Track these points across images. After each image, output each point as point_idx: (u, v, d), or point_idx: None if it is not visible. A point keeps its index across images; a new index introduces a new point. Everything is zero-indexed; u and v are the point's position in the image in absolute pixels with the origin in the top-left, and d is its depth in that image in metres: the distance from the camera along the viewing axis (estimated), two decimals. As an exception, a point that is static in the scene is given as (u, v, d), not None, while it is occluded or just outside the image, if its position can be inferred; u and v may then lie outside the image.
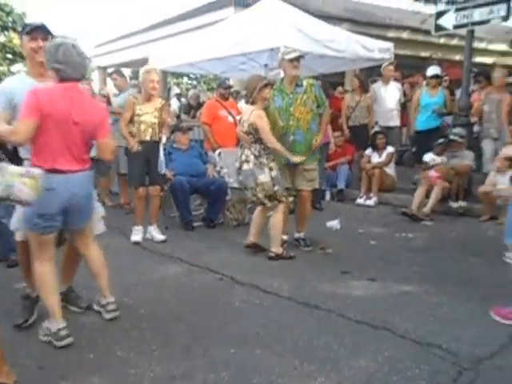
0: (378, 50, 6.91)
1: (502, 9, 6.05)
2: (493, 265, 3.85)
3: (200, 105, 8.93)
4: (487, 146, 6.03)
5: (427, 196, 5.53)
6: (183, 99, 11.76)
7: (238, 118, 5.22)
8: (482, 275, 3.67)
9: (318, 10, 8.73)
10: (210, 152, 5.85)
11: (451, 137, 5.91)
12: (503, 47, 13.34)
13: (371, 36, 7.57)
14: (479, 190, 5.35)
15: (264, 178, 4.00)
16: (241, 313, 3.06)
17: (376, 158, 6.63)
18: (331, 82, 7.48)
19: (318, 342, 2.65)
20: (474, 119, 6.46)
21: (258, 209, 4.23)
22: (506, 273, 3.46)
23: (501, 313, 2.81)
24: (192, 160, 5.44)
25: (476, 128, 6.59)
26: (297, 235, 4.48)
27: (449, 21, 6.46)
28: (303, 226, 4.48)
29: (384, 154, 6.61)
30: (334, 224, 5.18)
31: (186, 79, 25.86)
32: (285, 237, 4.34)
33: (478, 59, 11.00)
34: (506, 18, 6.06)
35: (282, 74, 4.45)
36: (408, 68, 8.19)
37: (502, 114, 5.86)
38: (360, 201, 6.41)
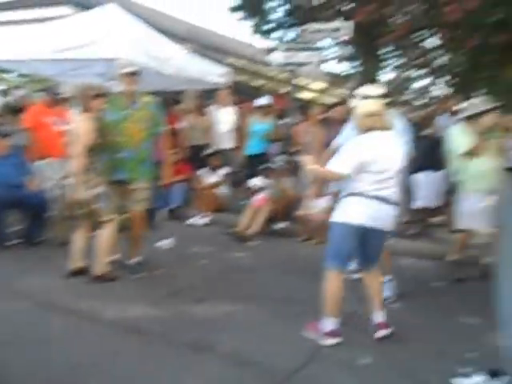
0: (216, 74, 7.23)
1: (321, 54, 7.05)
2: (311, 282, 4.24)
3: (25, 107, 8.04)
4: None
5: (254, 217, 5.91)
6: (9, 98, 10.37)
7: (67, 127, 4.86)
8: (301, 293, 3.90)
9: (163, 27, 8.73)
10: (33, 161, 5.29)
11: (275, 164, 6.46)
12: (323, 85, 15.25)
13: (211, 60, 7.88)
14: (297, 213, 5.95)
15: (87, 193, 3.78)
16: (57, 344, 2.81)
17: (211, 179, 6.86)
18: (174, 99, 7.53)
19: (141, 369, 2.59)
20: (295, 148, 7.18)
21: (78, 229, 3.97)
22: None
23: (312, 327, 3.10)
24: (11, 169, 4.88)
25: (297, 157, 7.33)
26: (129, 261, 4.25)
27: (278, 57, 7.14)
28: (136, 249, 4.28)
29: (218, 175, 6.87)
30: (166, 243, 5.16)
31: (16, 76, 22.83)
32: (112, 257, 4.14)
33: (304, 94, 12.35)
34: (323, 62, 7.00)
35: (118, 87, 4.31)
36: (242, 95, 8.78)
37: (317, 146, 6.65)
38: (192, 220, 6.52)
